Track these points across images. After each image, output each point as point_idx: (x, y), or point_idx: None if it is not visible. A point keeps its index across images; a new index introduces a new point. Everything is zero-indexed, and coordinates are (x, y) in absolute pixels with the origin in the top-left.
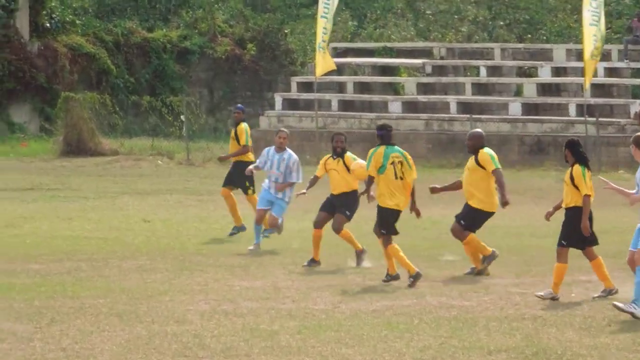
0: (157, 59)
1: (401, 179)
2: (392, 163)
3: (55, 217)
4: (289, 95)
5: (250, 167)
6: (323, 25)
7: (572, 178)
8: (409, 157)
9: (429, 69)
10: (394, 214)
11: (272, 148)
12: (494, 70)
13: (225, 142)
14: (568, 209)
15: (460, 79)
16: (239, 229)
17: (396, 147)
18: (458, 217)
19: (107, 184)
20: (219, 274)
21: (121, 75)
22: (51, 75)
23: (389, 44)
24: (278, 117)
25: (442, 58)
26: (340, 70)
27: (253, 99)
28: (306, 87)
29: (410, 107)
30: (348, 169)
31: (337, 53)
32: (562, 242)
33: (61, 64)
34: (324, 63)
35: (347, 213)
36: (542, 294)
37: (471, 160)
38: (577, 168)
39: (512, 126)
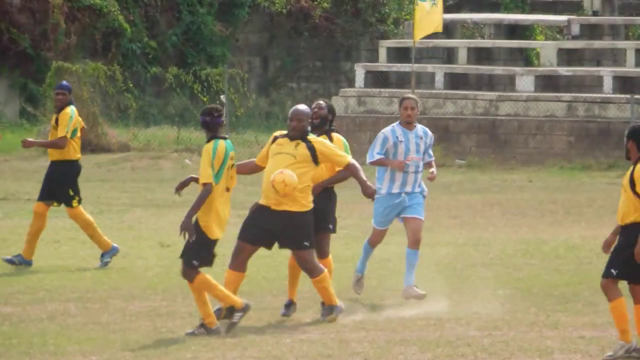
0: (189, 14)
1: (227, 190)
2: (228, 168)
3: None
4: (376, 67)
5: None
6: None
7: (632, 182)
8: None
9: (575, 30)
10: (214, 245)
11: (395, 126)
12: None
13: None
14: (625, 227)
15: (620, 44)
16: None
17: (229, 141)
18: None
19: (113, 192)
20: (263, 321)
21: (138, 38)
22: (39, 37)
23: None
24: (359, 98)
25: (594, 14)
26: (449, 31)
27: (324, 72)
28: (400, 54)
29: (548, 83)
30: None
31: (446, 6)
32: (612, 270)
33: (53, 22)
34: (427, 21)
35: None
36: (611, 353)
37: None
38: None
39: None
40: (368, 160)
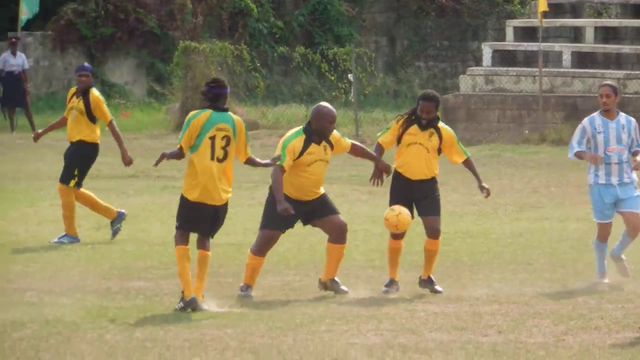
0: None
1: (219, 160)
2: (212, 137)
3: (169, 216)
4: (503, 46)
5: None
6: None
7: None
8: (242, 129)
9: None
10: (198, 209)
11: (596, 115)
12: None
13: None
14: None
15: None
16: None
17: (229, 114)
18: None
19: (243, 169)
20: (395, 294)
21: (265, 18)
22: (165, 17)
23: None
24: (486, 76)
25: None
26: (576, 10)
27: (451, 51)
28: (527, 34)
29: None
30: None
31: None
32: None
33: (180, 2)
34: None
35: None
36: None
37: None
38: None
39: None
40: (569, 155)
